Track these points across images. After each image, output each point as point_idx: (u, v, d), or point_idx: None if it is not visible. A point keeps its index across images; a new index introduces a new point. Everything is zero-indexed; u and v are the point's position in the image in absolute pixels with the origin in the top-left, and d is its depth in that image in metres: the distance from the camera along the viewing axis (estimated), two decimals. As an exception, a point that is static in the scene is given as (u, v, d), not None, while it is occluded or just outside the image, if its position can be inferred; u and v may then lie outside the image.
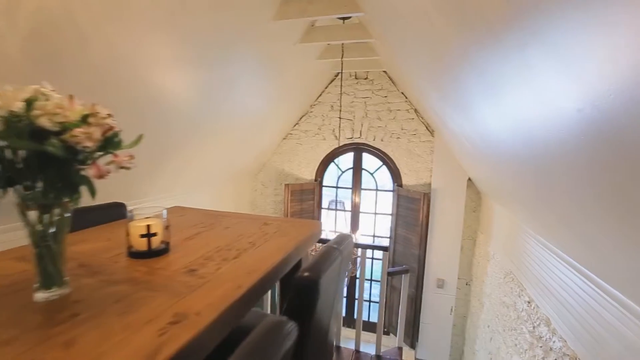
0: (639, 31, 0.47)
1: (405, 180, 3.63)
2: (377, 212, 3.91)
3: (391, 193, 3.77)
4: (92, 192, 0.74)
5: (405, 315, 3.49)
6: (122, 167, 0.72)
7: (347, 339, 2.51)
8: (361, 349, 2.33)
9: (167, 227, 1.01)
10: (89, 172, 0.69)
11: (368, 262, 4.16)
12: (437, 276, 3.49)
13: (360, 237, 3.57)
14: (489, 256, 2.89)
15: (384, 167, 3.78)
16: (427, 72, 2.01)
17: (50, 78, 1.30)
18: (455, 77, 1.47)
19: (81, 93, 1.38)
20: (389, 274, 2.69)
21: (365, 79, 3.64)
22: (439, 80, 1.84)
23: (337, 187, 3.90)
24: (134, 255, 0.93)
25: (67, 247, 0.72)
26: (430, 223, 3.44)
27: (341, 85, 3.40)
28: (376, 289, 3.58)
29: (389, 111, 3.60)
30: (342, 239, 0.97)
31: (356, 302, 3.75)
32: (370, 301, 4.13)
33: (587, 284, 1.25)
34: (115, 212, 1.34)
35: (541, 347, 1.74)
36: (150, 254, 0.93)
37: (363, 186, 3.90)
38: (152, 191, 2.52)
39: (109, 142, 0.72)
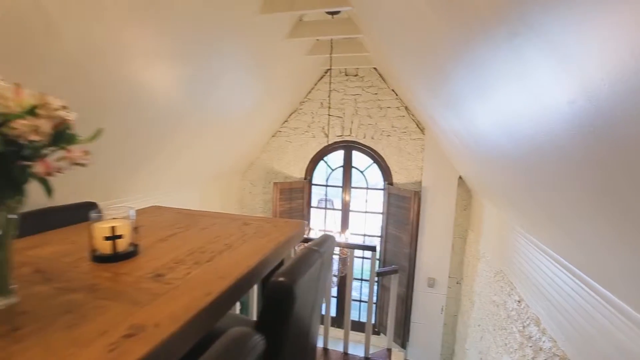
0: (637, 16, 0.43)
1: (395, 179, 3.59)
2: (367, 210, 3.86)
3: (382, 191, 3.73)
4: (48, 191, 0.67)
5: (396, 315, 3.47)
6: (76, 164, 0.64)
7: (338, 339, 2.46)
8: (352, 350, 2.28)
9: (135, 229, 0.94)
10: (37, 169, 0.62)
11: (359, 261, 4.13)
12: (428, 275, 3.47)
13: (350, 236, 3.52)
14: (480, 255, 2.87)
15: (375, 165, 3.73)
16: (416, 68, 1.97)
17: (15, 71, 1.22)
18: (444, 72, 1.43)
19: (50, 88, 1.30)
20: (378, 274, 2.65)
21: (355, 75, 3.59)
22: (428, 76, 1.81)
23: (326, 186, 3.84)
24: (98, 259, 0.86)
25: (26, 251, 0.66)
26: (421, 222, 3.41)
27: (330, 82, 3.34)
28: (367, 289, 3.55)
29: (379, 108, 3.56)
30: (324, 240, 0.92)
31: (354, 304, 3.70)
32: (361, 301, 4.09)
33: (577, 284, 1.23)
34: (86, 213, 1.26)
35: (531, 347, 1.72)
36: (116, 257, 0.86)
37: (353, 184, 3.86)
38: (134, 190, 2.43)
39: (61, 136, 0.65)
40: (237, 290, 0.81)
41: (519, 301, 1.93)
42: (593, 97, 0.60)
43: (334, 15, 2.62)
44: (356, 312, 3.95)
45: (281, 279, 0.70)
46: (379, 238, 3.78)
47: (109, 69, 1.55)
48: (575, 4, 0.50)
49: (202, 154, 2.96)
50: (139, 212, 1.42)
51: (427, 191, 3.40)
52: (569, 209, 1.00)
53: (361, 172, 3.84)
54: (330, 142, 3.69)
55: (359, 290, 4.33)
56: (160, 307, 0.66)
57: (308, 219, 3.86)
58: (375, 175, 3.78)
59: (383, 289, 3.67)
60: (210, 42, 1.97)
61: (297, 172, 3.90)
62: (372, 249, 2.08)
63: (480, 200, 2.94)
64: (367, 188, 3.86)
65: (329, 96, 3.28)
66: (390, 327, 2.37)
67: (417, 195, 3.34)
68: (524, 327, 1.83)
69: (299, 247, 2.15)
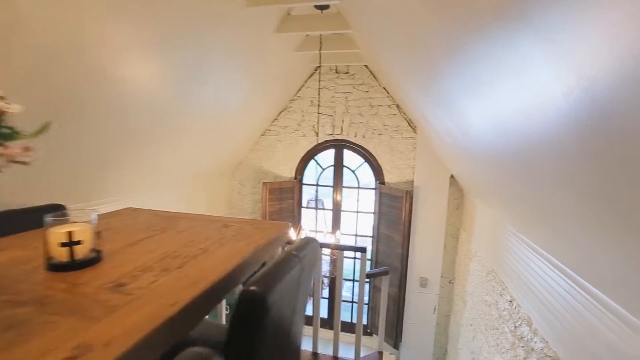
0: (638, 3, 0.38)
1: (387, 178, 3.55)
2: (359, 210, 3.81)
3: (373, 191, 3.68)
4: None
5: (389, 315, 3.42)
6: (14, 162, 0.57)
7: (329, 340, 2.40)
8: (343, 351, 2.22)
9: (98, 233, 0.87)
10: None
11: (351, 262, 4.07)
12: (421, 275, 3.43)
13: (341, 237, 3.46)
14: (472, 254, 2.84)
15: (366, 164, 3.68)
16: (406, 65, 1.92)
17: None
18: (436, 68, 1.40)
19: (18, 82, 1.21)
20: (368, 275, 2.59)
21: (346, 73, 3.53)
22: (419, 73, 1.77)
23: (317, 185, 3.78)
24: (54, 268, 0.78)
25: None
26: (413, 221, 3.37)
27: (319, 80, 3.28)
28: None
29: (370, 107, 3.50)
30: (305, 244, 0.85)
31: (343, 304, 3.63)
32: (353, 302, 4.04)
33: (568, 283, 1.21)
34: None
35: (523, 347, 1.69)
36: (74, 266, 0.79)
37: (344, 184, 3.80)
38: (114, 191, 2.33)
39: (-2, 131, 0.57)
40: (209, 299, 0.74)
41: (510, 301, 1.90)
42: (590, 88, 0.55)
43: (324, 10, 2.55)
44: (348, 313, 3.90)
45: (253, 287, 0.64)
46: (371, 238, 3.73)
47: (86, 63, 1.46)
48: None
49: (189, 153, 2.88)
50: (112, 214, 1.34)
51: (419, 190, 3.36)
52: (561, 207, 0.97)
53: (352, 171, 3.78)
54: (320, 141, 3.63)
55: (351, 291, 4.28)
56: (116, 321, 0.59)
57: (299, 220, 3.79)
58: (366, 175, 3.73)
59: (375, 290, 3.62)
60: (194, 36, 1.89)
61: (287, 172, 3.83)
62: (362, 250, 2.02)
63: (472, 199, 2.92)
64: (359, 187, 3.81)
65: (318, 94, 3.21)
66: (381, 329, 2.32)
67: (409, 194, 3.29)
68: (515, 327, 1.81)
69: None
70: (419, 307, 3.46)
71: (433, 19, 1.09)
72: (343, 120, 3.59)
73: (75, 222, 0.82)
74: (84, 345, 0.52)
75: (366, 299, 3.85)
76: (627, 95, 0.48)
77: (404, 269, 3.40)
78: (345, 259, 3.13)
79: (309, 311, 2.34)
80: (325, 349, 2.43)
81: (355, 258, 3.85)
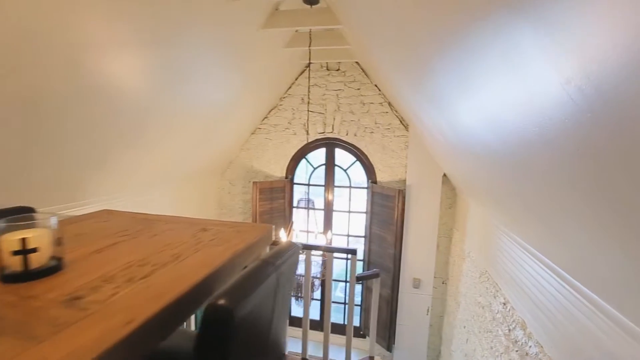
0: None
1: (379, 177, 3.49)
2: (351, 210, 3.75)
3: (365, 190, 3.62)
4: None
5: (382, 317, 3.37)
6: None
7: (321, 343, 2.34)
8: (335, 353, 2.17)
9: (59, 239, 0.79)
10: None
11: (343, 263, 4.02)
12: (413, 276, 3.38)
13: (333, 237, 3.41)
14: (465, 254, 2.80)
15: (358, 163, 3.62)
16: (397, 60, 1.87)
17: None
18: (427, 64, 1.35)
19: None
20: (359, 278, 2.54)
21: (337, 70, 3.47)
22: (409, 69, 1.72)
23: (308, 185, 3.71)
24: (6, 278, 0.71)
25: None
26: (406, 221, 3.32)
27: (309, 77, 3.21)
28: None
29: (362, 104, 3.44)
30: (283, 250, 0.79)
31: (336, 306, 3.55)
32: (345, 303, 3.98)
33: (563, 286, 1.18)
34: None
35: (517, 351, 1.65)
36: (28, 276, 0.71)
37: (336, 183, 3.74)
38: (99, 191, 2.24)
39: None
40: (175, 314, 0.67)
41: (504, 303, 1.86)
42: (593, 75, 0.49)
43: (313, 5, 2.48)
44: (341, 315, 3.84)
45: (221, 301, 0.57)
46: (363, 238, 3.68)
47: (68, 59, 1.38)
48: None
49: (176, 152, 2.79)
50: (85, 217, 1.26)
51: (411, 189, 3.31)
52: (558, 206, 0.92)
53: (344, 170, 3.72)
54: (311, 140, 3.56)
55: (344, 292, 4.22)
56: (60, 343, 0.52)
57: (290, 220, 3.72)
58: (358, 174, 3.67)
59: (368, 291, 3.57)
60: (179, 30, 1.81)
61: (278, 171, 3.76)
62: (353, 252, 1.96)
63: (465, 198, 2.88)
64: (350, 187, 3.75)
65: (308, 91, 3.14)
66: (372, 333, 2.27)
67: (402, 193, 3.25)
68: (509, 330, 1.76)
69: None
70: (412, 308, 3.41)
71: (422, 12, 1.04)
72: (334, 119, 3.53)
73: (32, 228, 0.74)
74: (15, 374, 0.45)
75: (359, 300, 3.80)
76: (637, 83, 0.42)
77: (397, 270, 3.36)
78: (337, 260, 3.08)
79: (299, 313, 2.29)
80: (316, 351, 2.37)
81: (347, 259, 3.80)
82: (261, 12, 2.35)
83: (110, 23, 1.43)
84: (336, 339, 3.11)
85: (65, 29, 1.29)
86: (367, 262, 3.60)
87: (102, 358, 0.50)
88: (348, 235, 3.83)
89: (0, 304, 0.63)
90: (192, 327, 1.89)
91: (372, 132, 3.45)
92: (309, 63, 3.10)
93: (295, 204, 3.79)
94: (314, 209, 3.50)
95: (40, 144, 1.58)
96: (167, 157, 2.72)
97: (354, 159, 3.63)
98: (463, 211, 2.98)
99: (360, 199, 3.67)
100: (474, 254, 2.55)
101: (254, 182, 3.51)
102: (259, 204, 3.50)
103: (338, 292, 5.75)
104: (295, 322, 2.76)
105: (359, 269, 3.65)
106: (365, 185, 3.62)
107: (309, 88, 3.15)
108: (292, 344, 2.90)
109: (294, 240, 2.85)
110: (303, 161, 3.77)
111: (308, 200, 3.52)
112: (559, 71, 0.55)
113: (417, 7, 1.05)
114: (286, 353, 2.20)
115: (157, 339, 0.64)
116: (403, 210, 3.28)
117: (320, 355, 2.16)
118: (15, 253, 0.71)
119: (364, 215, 3.63)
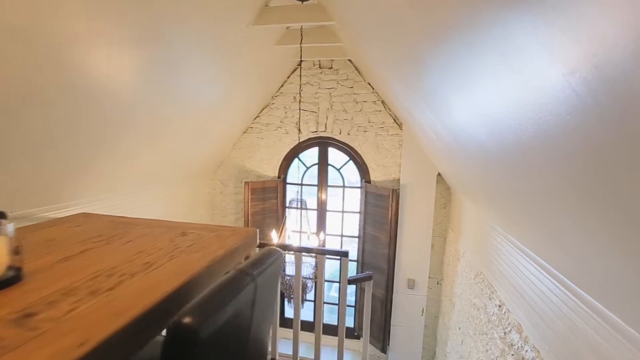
0: None
1: (373, 176, 3.44)
2: (344, 210, 3.70)
3: (359, 190, 3.57)
4: None
5: (376, 318, 3.32)
6: None
7: (314, 344, 2.28)
8: (328, 356, 2.11)
9: (17, 247, 0.72)
10: None
11: (336, 262, 3.96)
12: (408, 276, 3.34)
13: (326, 238, 3.35)
14: (460, 255, 2.76)
15: (351, 162, 3.57)
16: (389, 57, 1.82)
17: None
18: (421, 61, 1.31)
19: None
20: (351, 281, 2.48)
21: (329, 68, 3.40)
22: (402, 67, 1.68)
23: (301, 185, 3.65)
24: (-47, 292, 0.64)
25: None
26: (400, 221, 3.27)
27: (300, 75, 3.15)
28: (346, 293, 3.38)
29: (355, 103, 3.39)
30: (261, 258, 0.73)
31: (330, 307, 3.49)
32: (339, 304, 3.93)
33: (561, 290, 1.15)
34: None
35: (513, 355, 1.61)
36: (-23, 289, 0.64)
37: (329, 183, 3.68)
38: (83, 193, 2.16)
39: None
40: (139, 332, 0.61)
41: (499, 306, 1.82)
42: (600, 64, 0.44)
43: (304, 1, 2.42)
44: (335, 316, 3.79)
45: (186, 319, 0.51)
46: (357, 239, 3.63)
47: (53, 56, 1.30)
48: None
49: (166, 152, 2.71)
50: (59, 221, 1.19)
51: (405, 189, 3.26)
52: (557, 206, 0.88)
53: (337, 169, 3.66)
54: (304, 139, 3.50)
55: (338, 292, 4.17)
56: (-3, 371, 0.46)
57: (282, 220, 3.65)
58: (352, 173, 3.62)
59: (362, 292, 3.52)
60: (166, 26, 1.73)
61: (271, 171, 3.69)
62: (344, 254, 1.90)
63: (460, 198, 2.83)
64: (344, 186, 3.69)
65: (300, 88, 3.08)
66: (365, 337, 2.22)
67: (396, 193, 3.20)
68: (505, 333, 1.72)
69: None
70: (407, 309, 3.37)
71: (415, 6, 0.98)
72: (327, 117, 3.47)
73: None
74: None
75: (353, 300, 3.75)
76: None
77: (391, 270, 3.31)
78: (330, 260, 3.02)
79: (292, 315, 2.23)
80: (309, 353, 2.31)
81: (340, 259, 3.74)
82: (251, 8, 2.28)
83: (94, 20, 1.36)
84: (330, 341, 3.06)
85: (48, 26, 1.21)
86: (361, 263, 3.55)
87: (43, 389, 0.44)
88: (342, 236, 3.77)
89: (-60, 324, 0.56)
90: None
91: (365, 131, 3.39)
92: (301, 61, 3.03)
93: (287, 204, 3.72)
94: (306, 209, 3.44)
95: (20, 143, 1.50)
96: (157, 157, 2.64)
97: (347, 158, 3.57)
98: (458, 211, 2.94)
99: (354, 199, 3.61)
100: (468, 254, 2.51)
101: (245, 182, 3.44)
102: (251, 204, 3.43)
103: (332, 292, 5.70)
104: (288, 323, 2.70)
105: (353, 269, 3.59)
106: (359, 185, 3.56)
107: (300, 86, 3.09)
108: (285, 346, 2.85)
109: (287, 241, 2.79)
110: (296, 161, 3.70)
111: (301, 200, 3.46)
112: (563, 63, 0.50)
113: (409, 1, 1.00)
114: (277, 357, 2.14)
115: (119, 360, 0.58)
116: (397, 210, 3.23)
117: (312, 357, 2.11)
118: (-36, 265, 0.64)
119: (358, 215, 3.58)
